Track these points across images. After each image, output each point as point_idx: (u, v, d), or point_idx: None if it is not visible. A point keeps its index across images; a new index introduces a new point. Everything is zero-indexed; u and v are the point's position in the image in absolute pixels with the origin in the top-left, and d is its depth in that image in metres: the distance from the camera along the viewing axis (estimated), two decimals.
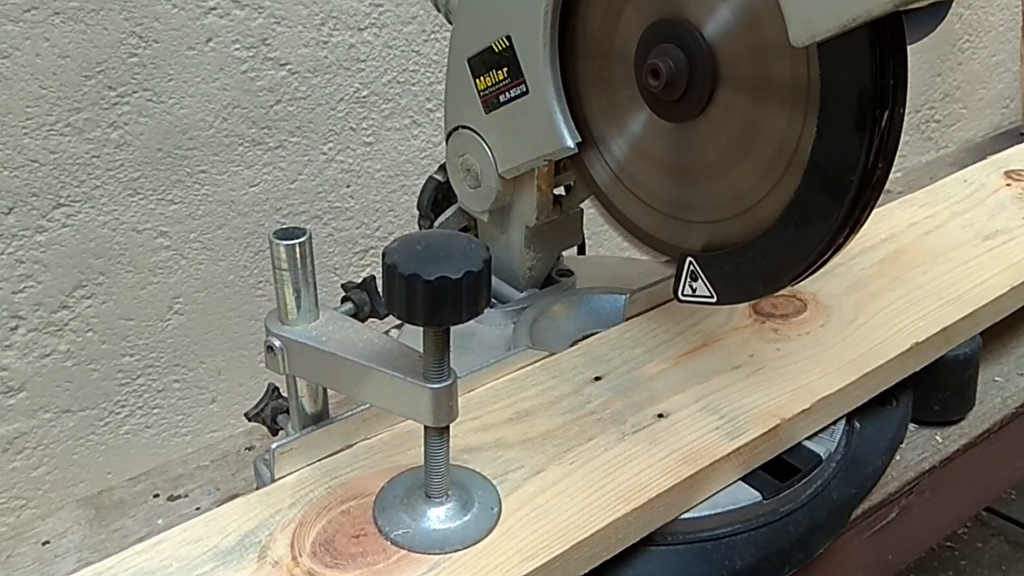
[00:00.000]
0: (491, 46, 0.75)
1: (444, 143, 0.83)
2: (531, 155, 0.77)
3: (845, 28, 0.54)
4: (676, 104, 0.67)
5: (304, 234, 0.60)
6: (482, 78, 0.77)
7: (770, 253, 0.64)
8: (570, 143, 0.74)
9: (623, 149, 0.75)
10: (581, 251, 0.93)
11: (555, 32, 0.72)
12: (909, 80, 0.58)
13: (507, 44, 0.74)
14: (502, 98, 0.77)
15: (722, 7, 0.63)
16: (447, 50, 0.80)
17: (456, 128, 0.81)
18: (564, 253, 0.90)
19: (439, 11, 0.83)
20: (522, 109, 0.76)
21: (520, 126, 0.77)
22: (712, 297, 0.68)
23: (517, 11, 0.73)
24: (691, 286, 0.69)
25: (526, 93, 0.75)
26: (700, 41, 0.64)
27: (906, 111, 0.59)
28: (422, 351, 0.56)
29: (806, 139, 0.60)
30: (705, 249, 0.69)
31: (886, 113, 0.57)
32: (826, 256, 0.62)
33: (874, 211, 0.61)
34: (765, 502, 0.67)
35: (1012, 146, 1.15)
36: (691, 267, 0.69)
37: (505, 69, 0.75)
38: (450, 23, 0.81)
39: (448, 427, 0.57)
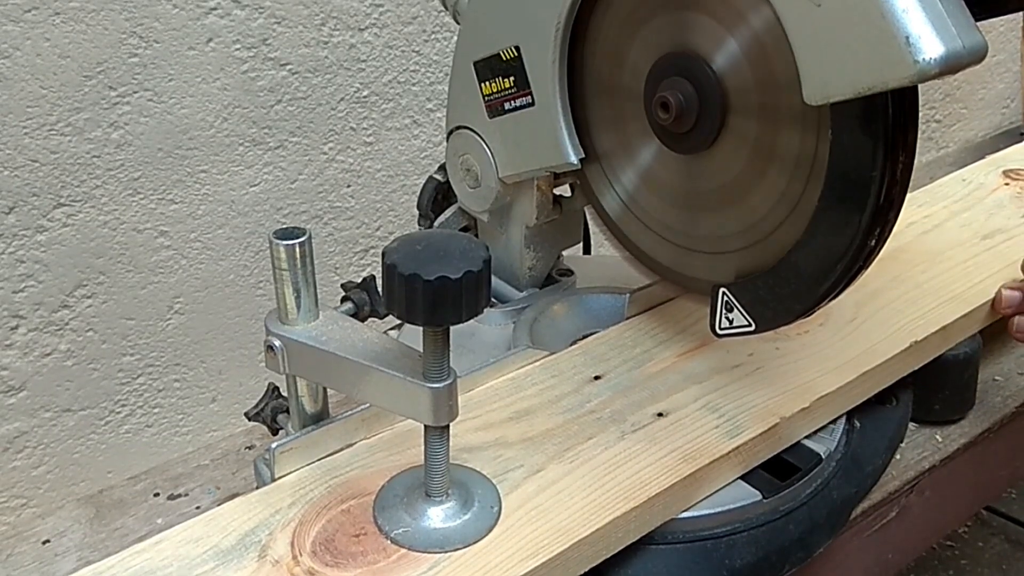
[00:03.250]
0: (499, 53, 0.74)
1: (444, 142, 0.83)
2: (533, 165, 0.77)
3: (859, 95, 0.54)
4: (687, 136, 0.66)
5: (304, 234, 0.60)
6: (488, 83, 0.76)
7: (801, 268, 0.62)
8: (573, 159, 0.74)
9: (638, 188, 0.74)
10: (587, 250, 0.92)
11: (564, 49, 0.71)
12: None
13: (515, 54, 0.73)
14: (507, 106, 0.76)
15: (730, 40, 0.62)
16: (448, 50, 0.80)
17: (458, 128, 0.81)
18: (565, 252, 0.90)
19: (447, 9, 0.82)
20: (527, 119, 0.75)
21: (523, 136, 0.76)
22: (750, 325, 0.65)
23: (527, 24, 0.72)
24: (727, 318, 0.67)
25: (532, 105, 0.74)
26: (709, 73, 0.63)
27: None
28: (422, 351, 0.56)
29: (822, 151, 0.59)
30: (738, 277, 0.67)
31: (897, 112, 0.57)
32: (859, 263, 0.61)
33: None
34: (765, 501, 0.67)
35: (1011, 145, 1.15)
36: (725, 298, 0.67)
37: (512, 78, 0.74)
38: (457, 23, 0.80)
39: (448, 426, 0.58)
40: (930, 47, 0.50)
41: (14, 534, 0.76)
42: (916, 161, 0.60)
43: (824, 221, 0.60)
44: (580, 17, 0.70)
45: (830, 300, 0.63)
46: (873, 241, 0.60)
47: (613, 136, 0.74)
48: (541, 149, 0.75)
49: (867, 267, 0.61)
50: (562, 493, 0.61)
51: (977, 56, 0.52)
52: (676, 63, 0.66)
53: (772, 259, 0.64)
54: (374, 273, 0.75)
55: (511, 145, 0.78)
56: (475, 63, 0.77)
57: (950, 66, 0.51)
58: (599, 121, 0.74)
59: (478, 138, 0.79)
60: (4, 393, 1.12)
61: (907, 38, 0.50)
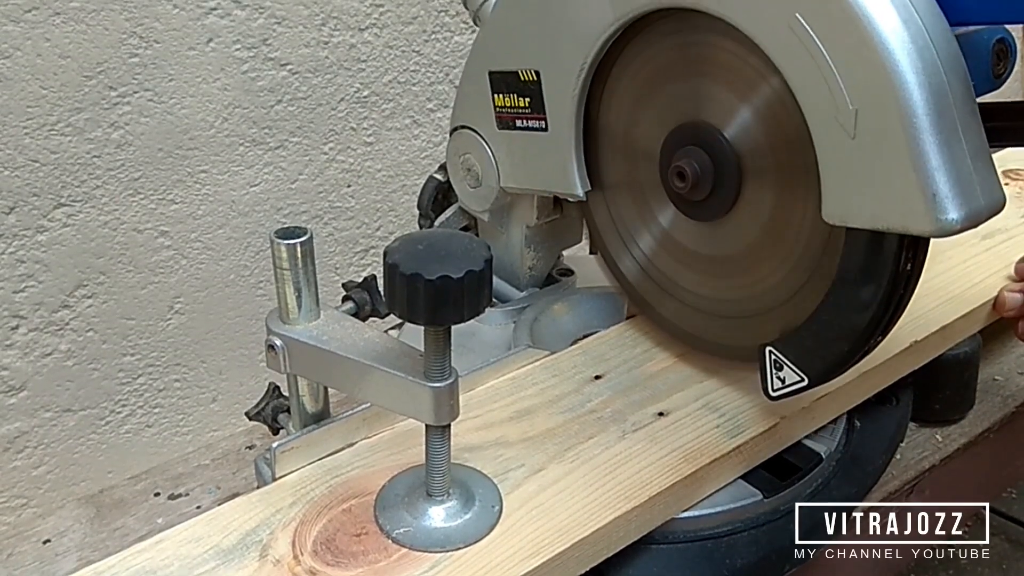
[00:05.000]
0: (518, 72, 0.73)
1: (444, 143, 0.83)
2: (537, 185, 0.77)
3: (877, 229, 0.54)
4: (704, 203, 0.66)
5: (305, 233, 0.60)
6: (501, 96, 0.75)
7: (841, 306, 0.60)
8: (580, 192, 0.73)
9: (658, 256, 0.74)
10: (593, 250, 0.92)
11: (586, 89, 0.70)
12: None
13: (535, 78, 0.72)
14: (518, 123, 0.75)
15: (742, 110, 0.62)
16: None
17: (463, 127, 0.81)
18: (565, 252, 0.90)
19: (467, 9, 0.81)
20: (537, 142, 0.74)
21: (532, 156, 0.75)
22: (803, 380, 0.63)
23: (552, 54, 0.71)
24: (779, 377, 0.64)
25: (544, 130, 0.73)
26: (723, 143, 0.64)
27: None
28: (423, 350, 0.56)
29: None
30: (782, 333, 0.64)
31: None
32: (899, 291, 0.59)
33: None
34: (765, 500, 0.67)
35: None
36: (773, 356, 0.64)
37: (528, 100, 0.73)
38: (476, 25, 0.80)
39: (449, 426, 0.58)
40: (954, 208, 0.51)
41: (15, 534, 0.76)
42: None
43: (855, 253, 0.58)
44: (606, 60, 0.69)
45: (878, 338, 0.61)
46: (909, 265, 0.58)
47: (631, 206, 0.74)
48: (548, 174, 0.75)
49: (908, 294, 0.60)
50: (563, 493, 0.61)
51: (996, 211, 0.53)
52: (691, 133, 0.66)
53: (814, 303, 0.62)
54: (375, 273, 0.75)
55: (517, 161, 0.77)
56: (491, 72, 0.75)
57: (971, 224, 0.52)
58: (614, 186, 0.74)
59: (483, 142, 0.79)
60: (4, 393, 1.12)
61: (934, 195, 0.51)
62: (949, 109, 0.52)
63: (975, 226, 0.52)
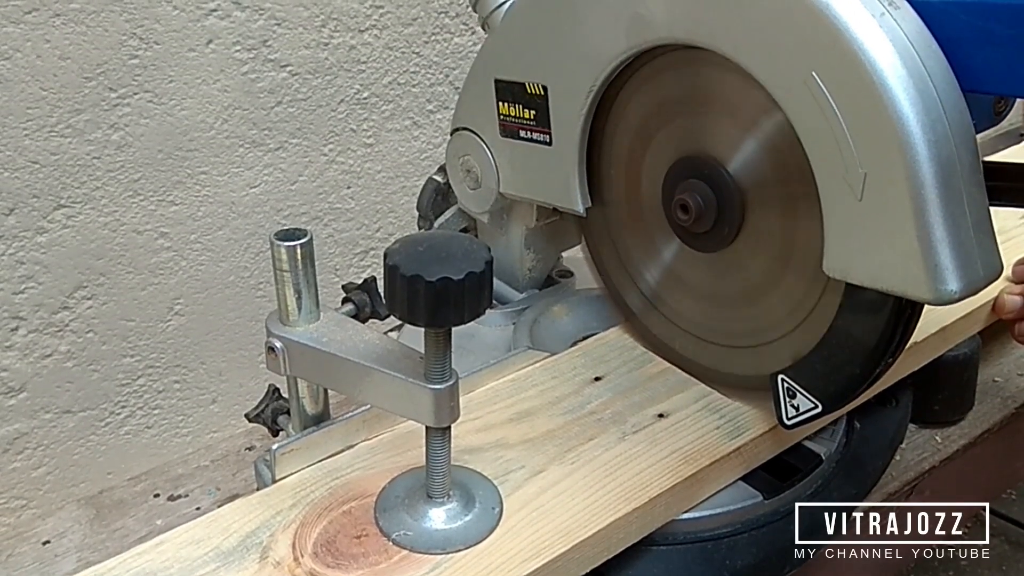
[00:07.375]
0: (525, 84, 0.72)
1: (443, 144, 0.83)
2: (538, 196, 0.77)
3: (876, 289, 0.54)
4: (708, 235, 0.66)
5: (305, 235, 0.60)
6: (506, 105, 0.75)
7: (850, 329, 0.60)
8: (580, 208, 0.73)
9: (664, 288, 0.74)
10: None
11: (593, 109, 0.70)
12: None
13: (542, 93, 0.71)
14: (522, 134, 0.74)
15: (745, 143, 0.62)
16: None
17: (465, 129, 0.80)
18: (564, 254, 0.90)
19: (475, 11, 0.80)
20: (540, 154, 0.74)
21: (533, 167, 0.75)
22: (817, 407, 0.63)
23: (562, 71, 0.70)
24: (792, 405, 0.64)
25: (548, 144, 0.73)
26: (726, 177, 0.64)
27: None
28: (423, 352, 0.56)
29: None
30: (794, 360, 0.64)
31: None
32: (907, 310, 0.58)
33: None
34: (766, 502, 0.67)
35: (1011, 146, 1.15)
36: (785, 384, 0.64)
37: (533, 112, 0.73)
38: (484, 31, 0.79)
39: (449, 428, 0.58)
40: (954, 280, 0.51)
41: (14, 535, 0.76)
42: None
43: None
44: (615, 82, 0.69)
45: (889, 359, 0.61)
46: None
47: (631, 228, 0.74)
48: (550, 187, 0.74)
49: (917, 314, 0.60)
50: (563, 494, 0.61)
51: (993, 279, 0.54)
52: (692, 165, 0.65)
53: (824, 325, 0.62)
54: (375, 274, 0.75)
55: (519, 170, 0.77)
56: (497, 80, 0.75)
57: (969, 293, 0.52)
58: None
59: (484, 146, 0.79)
60: (4, 394, 1.12)
61: (935, 266, 0.51)
62: (956, 181, 0.52)
63: (973, 295, 0.53)
